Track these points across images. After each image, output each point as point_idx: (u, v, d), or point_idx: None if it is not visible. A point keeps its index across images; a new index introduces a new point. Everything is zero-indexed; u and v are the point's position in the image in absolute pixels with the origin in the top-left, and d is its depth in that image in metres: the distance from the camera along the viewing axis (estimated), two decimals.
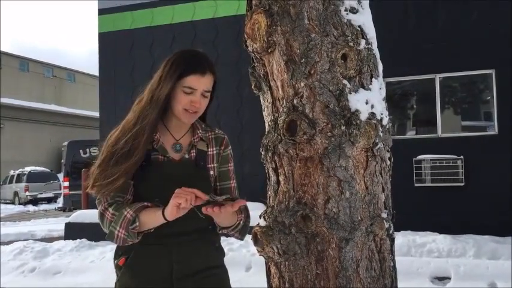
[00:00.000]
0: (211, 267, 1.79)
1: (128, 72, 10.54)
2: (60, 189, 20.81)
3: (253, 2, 1.86)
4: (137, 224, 1.63)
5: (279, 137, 1.78)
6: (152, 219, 1.64)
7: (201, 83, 1.74)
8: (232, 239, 1.99)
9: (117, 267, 1.79)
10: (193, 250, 1.76)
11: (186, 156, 1.81)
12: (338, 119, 1.73)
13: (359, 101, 1.76)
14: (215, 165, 1.86)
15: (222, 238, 1.90)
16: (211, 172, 1.85)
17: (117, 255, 1.80)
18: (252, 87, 1.98)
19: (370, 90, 1.82)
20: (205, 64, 1.76)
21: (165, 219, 1.61)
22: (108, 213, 1.66)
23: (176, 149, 1.80)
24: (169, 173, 1.74)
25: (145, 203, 1.67)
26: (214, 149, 1.87)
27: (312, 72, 1.75)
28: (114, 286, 1.79)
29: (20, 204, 23.08)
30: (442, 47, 8.31)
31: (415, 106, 9.19)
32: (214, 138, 1.89)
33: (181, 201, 1.54)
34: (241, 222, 1.79)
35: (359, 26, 1.83)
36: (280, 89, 1.83)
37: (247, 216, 1.83)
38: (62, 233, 9.40)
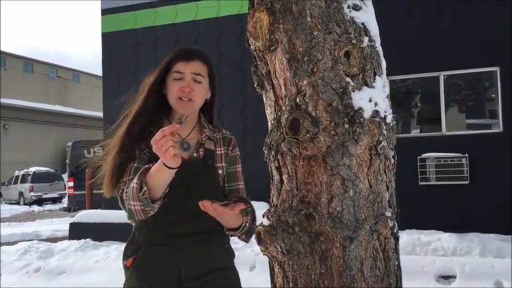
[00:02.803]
0: (219, 268, 1.78)
1: (132, 72, 10.54)
2: (65, 190, 20.89)
3: (255, 0, 1.85)
4: (145, 188, 1.55)
5: (282, 135, 1.77)
6: (158, 176, 1.56)
7: (187, 67, 1.78)
8: (236, 239, 1.99)
9: (125, 268, 1.78)
10: (201, 251, 1.75)
11: (195, 154, 1.80)
12: (341, 117, 1.72)
13: (362, 99, 1.75)
14: (223, 164, 1.85)
15: None
16: (220, 171, 1.84)
17: (125, 256, 1.79)
18: (255, 85, 1.97)
19: (374, 88, 1.81)
20: (191, 51, 1.83)
21: (169, 168, 1.52)
22: (124, 194, 1.65)
23: (184, 148, 1.80)
24: (178, 171, 1.72)
25: (147, 166, 1.61)
26: (222, 148, 1.87)
27: (315, 70, 1.74)
28: (122, 287, 1.78)
29: (25, 204, 23.19)
30: (446, 44, 8.26)
31: (419, 104, 9.15)
32: (222, 139, 1.89)
33: (172, 151, 1.46)
34: (247, 224, 1.76)
35: (362, 24, 1.82)
36: (282, 87, 1.82)
37: (254, 219, 1.80)
38: (67, 233, 9.43)
